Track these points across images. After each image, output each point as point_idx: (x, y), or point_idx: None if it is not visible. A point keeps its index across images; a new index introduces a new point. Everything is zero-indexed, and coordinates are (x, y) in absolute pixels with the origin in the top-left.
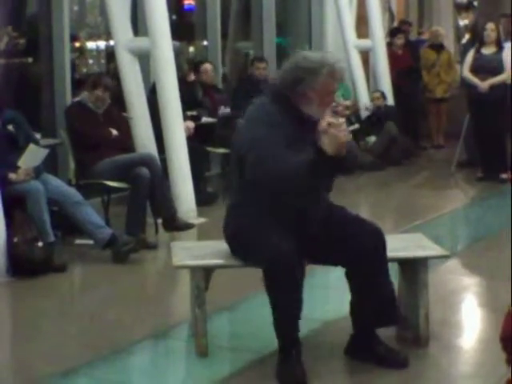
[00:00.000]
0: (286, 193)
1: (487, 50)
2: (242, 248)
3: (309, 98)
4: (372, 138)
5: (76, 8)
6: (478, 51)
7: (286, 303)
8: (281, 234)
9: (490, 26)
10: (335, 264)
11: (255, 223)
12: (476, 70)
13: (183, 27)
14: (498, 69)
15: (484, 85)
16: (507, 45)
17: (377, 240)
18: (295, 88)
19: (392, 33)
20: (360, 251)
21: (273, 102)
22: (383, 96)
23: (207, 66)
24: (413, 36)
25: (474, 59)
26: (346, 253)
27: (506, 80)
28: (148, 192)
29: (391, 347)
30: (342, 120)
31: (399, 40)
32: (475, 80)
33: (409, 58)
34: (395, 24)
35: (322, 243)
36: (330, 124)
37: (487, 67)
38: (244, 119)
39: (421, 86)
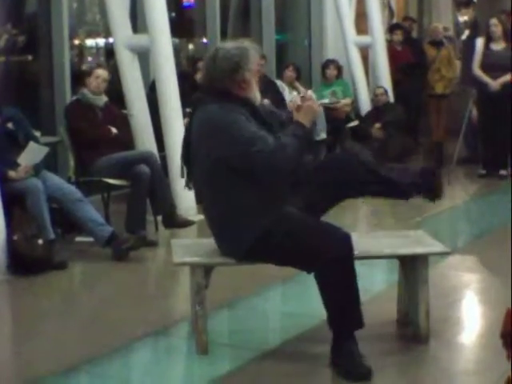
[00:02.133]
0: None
1: (497, 46)
2: (297, 249)
3: (247, 82)
4: (377, 125)
5: (75, 5)
6: (487, 47)
7: (356, 285)
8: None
9: (493, 21)
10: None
11: (294, 219)
12: (486, 66)
13: (182, 24)
14: (508, 65)
15: (495, 84)
16: None
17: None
18: (234, 76)
19: (390, 29)
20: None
21: (220, 102)
22: (386, 92)
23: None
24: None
25: (484, 55)
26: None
27: None
28: (148, 189)
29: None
30: (310, 92)
31: (396, 36)
32: (486, 78)
33: (409, 55)
34: (394, 20)
35: None
36: (302, 98)
37: (498, 64)
38: (207, 129)
39: (423, 82)
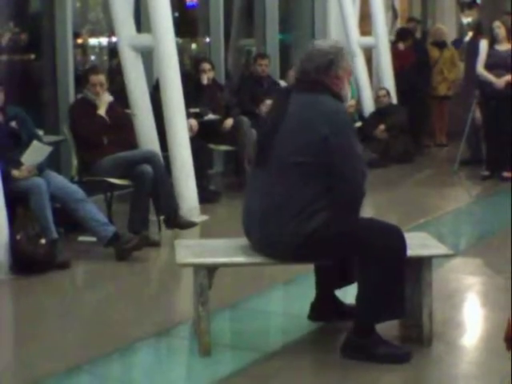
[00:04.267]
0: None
1: (501, 47)
2: (354, 241)
3: (340, 78)
4: (381, 127)
5: (79, 4)
6: (491, 48)
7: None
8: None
9: (497, 23)
10: None
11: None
12: (491, 66)
13: (186, 24)
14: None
15: (500, 82)
16: None
17: None
18: (329, 71)
19: (400, 35)
20: None
21: (318, 93)
22: (388, 94)
23: (205, 65)
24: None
25: (488, 56)
26: None
27: None
28: (151, 189)
29: (391, 342)
30: None
31: (406, 43)
32: (491, 77)
33: (412, 56)
34: (398, 22)
35: None
36: None
37: (502, 64)
38: (330, 123)
39: (427, 84)
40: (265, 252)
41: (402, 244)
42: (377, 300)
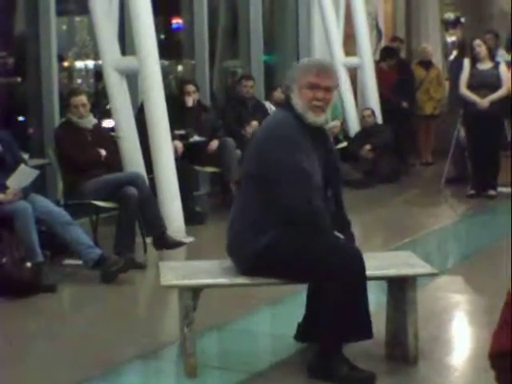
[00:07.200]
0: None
1: (483, 66)
2: (309, 262)
3: (303, 94)
4: (367, 146)
5: (64, 27)
6: (473, 67)
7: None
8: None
9: (477, 42)
10: None
11: (307, 235)
12: (473, 85)
13: (171, 46)
14: (495, 84)
15: (484, 102)
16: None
17: None
18: (291, 87)
19: (383, 54)
20: None
21: (285, 111)
22: (373, 114)
23: (189, 87)
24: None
25: (470, 75)
26: None
27: (505, 95)
28: (136, 211)
29: (355, 365)
30: None
31: (389, 62)
32: (474, 97)
33: (397, 75)
34: (383, 41)
35: None
36: None
37: (485, 83)
38: (267, 134)
39: (413, 103)
40: (232, 259)
41: (359, 265)
42: (338, 321)
